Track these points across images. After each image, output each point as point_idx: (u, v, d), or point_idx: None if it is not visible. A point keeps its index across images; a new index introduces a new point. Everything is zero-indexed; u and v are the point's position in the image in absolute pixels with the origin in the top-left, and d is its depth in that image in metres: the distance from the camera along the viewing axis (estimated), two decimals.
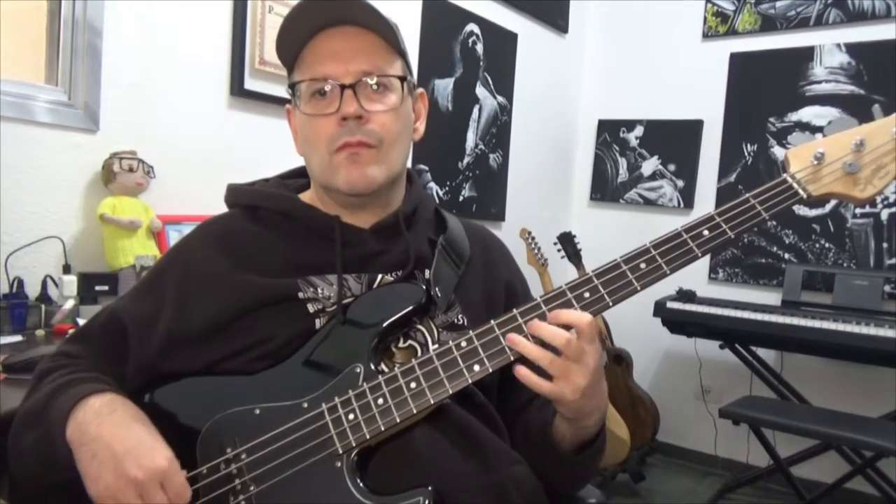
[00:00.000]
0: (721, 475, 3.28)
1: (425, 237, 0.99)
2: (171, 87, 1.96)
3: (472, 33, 3.03)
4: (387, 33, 0.91)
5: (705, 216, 0.84)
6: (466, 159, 3.09)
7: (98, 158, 1.78)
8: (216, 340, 0.88)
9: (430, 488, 0.78)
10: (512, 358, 0.80)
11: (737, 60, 3.33)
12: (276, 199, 0.97)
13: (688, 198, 3.48)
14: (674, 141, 3.52)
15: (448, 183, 3.00)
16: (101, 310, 0.98)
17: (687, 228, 0.83)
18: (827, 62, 3.11)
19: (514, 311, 0.82)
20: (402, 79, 0.93)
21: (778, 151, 3.23)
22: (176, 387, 0.89)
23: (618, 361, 3.16)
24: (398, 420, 0.80)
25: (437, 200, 2.89)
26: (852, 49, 3.05)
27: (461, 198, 3.08)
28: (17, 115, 1.64)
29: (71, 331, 1.50)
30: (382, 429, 0.80)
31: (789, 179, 0.85)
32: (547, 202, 3.69)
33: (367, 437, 0.80)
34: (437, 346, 0.88)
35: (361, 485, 0.79)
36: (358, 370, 0.84)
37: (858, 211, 3.04)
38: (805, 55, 3.15)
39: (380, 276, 0.92)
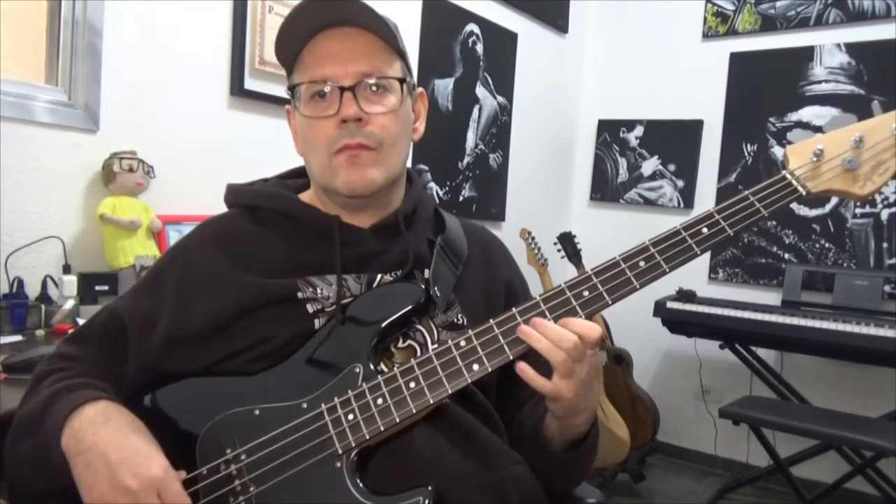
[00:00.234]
0: (721, 475, 3.28)
1: (425, 237, 0.99)
2: (171, 87, 1.96)
3: (472, 33, 3.03)
4: (386, 34, 0.91)
5: (704, 214, 0.84)
6: (466, 159, 3.09)
7: (98, 158, 1.78)
8: (216, 340, 0.88)
9: (429, 488, 0.78)
10: (511, 357, 0.80)
11: (737, 60, 3.33)
12: (275, 198, 0.97)
13: (688, 198, 3.48)
14: (674, 141, 3.52)
15: (448, 183, 3.00)
16: (100, 309, 0.98)
17: (686, 226, 0.83)
18: (827, 62, 3.11)
19: (514, 310, 0.82)
20: (402, 80, 0.93)
21: (778, 151, 3.23)
22: (176, 387, 0.88)
23: (618, 361, 3.15)
24: (397, 420, 0.80)
25: (437, 200, 2.89)
26: (852, 49, 3.05)
27: (461, 198, 3.08)
28: (17, 115, 1.64)
29: (70, 331, 1.50)
30: (382, 429, 0.80)
31: (788, 176, 0.85)
32: (547, 202, 3.69)
33: (367, 437, 0.80)
34: (436, 345, 0.88)
35: (361, 485, 0.79)
36: (357, 370, 0.84)
37: (858, 211, 3.04)
38: (805, 55, 3.15)
39: (379, 276, 0.92)
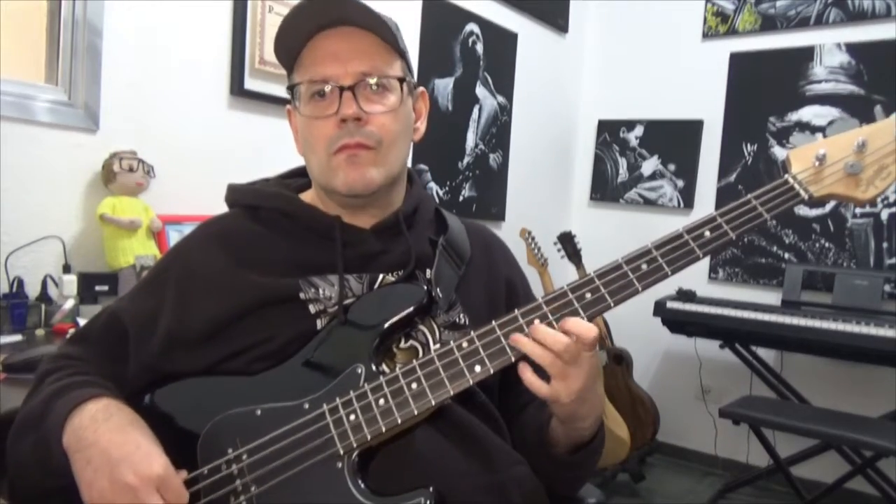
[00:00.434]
0: (721, 475, 3.28)
1: (426, 237, 0.99)
2: (171, 87, 1.96)
3: (472, 33, 3.02)
4: (385, 33, 0.90)
5: (707, 217, 0.84)
6: (466, 159, 3.09)
7: (98, 158, 1.77)
8: (217, 340, 0.88)
9: (431, 489, 0.78)
10: (513, 359, 0.80)
11: (737, 60, 3.33)
12: (276, 198, 0.97)
13: (688, 198, 3.48)
14: (674, 141, 3.52)
15: (448, 183, 3.00)
16: (101, 310, 0.98)
17: (688, 229, 0.83)
18: (827, 62, 3.11)
19: (516, 311, 0.82)
20: (402, 79, 0.93)
21: (778, 151, 3.23)
22: (177, 387, 0.88)
23: (618, 361, 3.15)
24: (399, 421, 0.80)
25: (438, 200, 2.89)
26: (852, 49, 3.05)
27: (461, 198, 3.08)
28: (17, 115, 1.64)
29: (71, 331, 1.50)
30: (384, 429, 0.80)
31: (791, 180, 0.85)
32: (547, 202, 3.69)
33: (369, 437, 0.80)
34: (438, 345, 0.88)
35: (363, 485, 0.79)
36: (359, 371, 0.84)
37: (858, 211, 3.04)
38: (805, 55, 3.15)
39: (381, 277, 0.92)
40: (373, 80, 0.89)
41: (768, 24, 3.26)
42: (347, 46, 0.89)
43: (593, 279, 0.82)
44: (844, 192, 0.84)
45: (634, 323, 3.14)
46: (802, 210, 3.16)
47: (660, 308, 3.02)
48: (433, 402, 0.80)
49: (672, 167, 3.53)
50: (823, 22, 3.12)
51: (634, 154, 3.66)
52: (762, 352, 3.08)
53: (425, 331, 0.90)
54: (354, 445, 0.80)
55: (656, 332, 3.17)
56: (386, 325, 0.86)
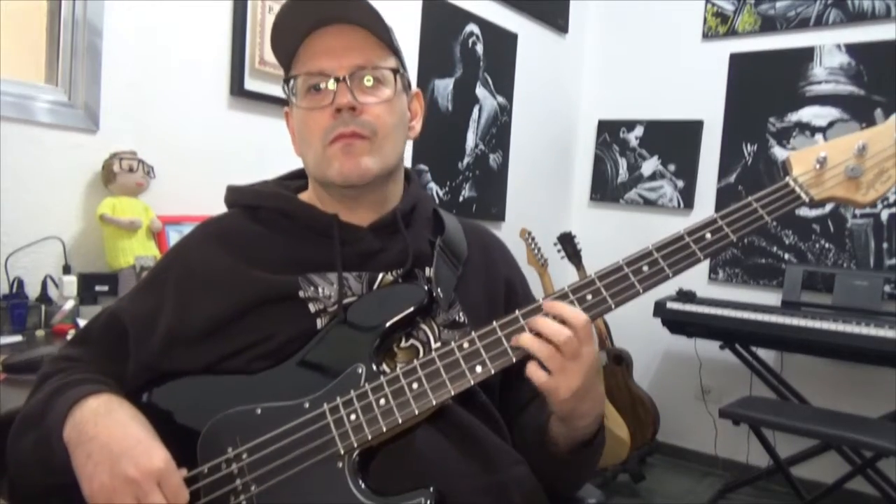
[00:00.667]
0: (721, 475, 3.28)
1: (424, 236, 0.99)
2: (171, 87, 1.96)
3: (472, 33, 3.02)
4: (380, 30, 0.92)
5: (708, 219, 0.84)
6: (466, 159, 3.09)
7: (98, 158, 1.77)
8: (217, 338, 0.88)
9: (431, 489, 0.78)
10: (514, 359, 0.80)
11: (737, 61, 3.33)
12: (274, 197, 0.97)
13: (688, 198, 3.48)
14: (674, 141, 3.52)
15: (448, 183, 3.00)
16: (101, 311, 0.98)
17: (689, 231, 0.84)
18: (827, 62, 3.11)
19: (517, 312, 0.82)
20: (395, 70, 0.94)
21: (778, 152, 3.23)
22: (177, 386, 0.88)
23: (618, 361, 3.15)
24: (400, 421, 0.80)
25: (438, 200, 2.89)
26: (852, 49, 3.05)
27: (461, 198, 3.08)
28: (17, 115, 1.64)
29: (71, 331, 1.51)
30: (384, 429, 0.80)
31: (791, 183, 0.85)
32: (547, 202, 3.69)
33: (369, 437, 0.80)
34: (439, 344, 0.88)
35: (363, 485, 0.79)
36: (360, 370, 0.84)
37: (858, 211, 3.04)
38: (805, 55, 3.15)
39: (381, 275, 0.92)
40: (367, 72, 0.90)
41: (768, 24, 3.26)
42: (343, 42, 0.91)
43: (594, 280, 0.82)
44: (845, 195, 0.85)
45: (634, 323, 3.14)
46: (802, 211, 3.15)
47: (660, 308, 3.02)
48: (434, 402, 0.80)
49: (672, 167, 3.53)
50: (823, 23, 3.12)
51: (634, 154, 3.66)
52: (762, 352, 3.08)
53: (426, 329, 0.90)
54: (355, 445, 0.80)
55: (656, 333, 3.17)
56: (387, 324, 0.86)
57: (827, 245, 3.11)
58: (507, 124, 3.31)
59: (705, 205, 3.41)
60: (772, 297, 3.17)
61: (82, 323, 1.52)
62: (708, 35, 3.43)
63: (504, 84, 3.26)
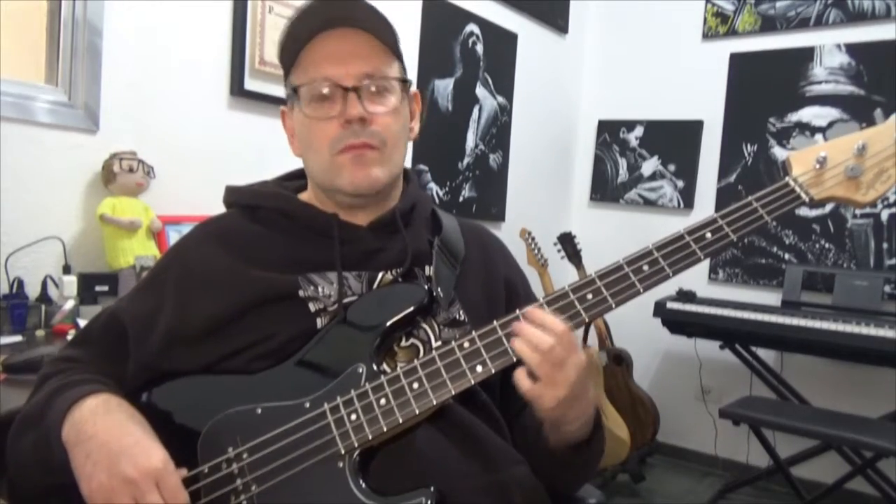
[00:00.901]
0: (721, 475, 3.28)
1: (423, 235, 0.99)
2: (171, 87, 1.96)
3: (472, 33, 3.02)
4: (385, 35, 0.91)
5: (708, 218, 0.84)
6: (466, 159, 3.09)
7: (98, 158, 1.77)
8: (217, 338, 0.88)
9: (432, 488, 0.78)
10: (514, 359, 0.80)
11: (737, 61, 3.33)
12: (273, 197, 0.97)
13: (688, 198, 3.48)
14: (674, 141, 3.52)
15: (448, 183, 3.00)
16: (100, 312, 0.98)
17: (689, 231, 0.84)
18: (827, 62, 3.11)
19: (518, 312, 0.82)
20: (402, 80, 0.94)
21: (778, 152, 3.23)
22: (177, 386, 0.88)
23: (618, 361, 3.16)
24: (401, 420, 0.80)
25: (438, 201, 2.89)
26: (852, 49, 3.05)
27: (461, 198, 3.08)
28: (17, 115, 1.64)
29: (71, 332, 1.50)
30: (385, 429, 0.80)
31: (791, 183, 0.86)
32: (547, 202, 3.69)
33: (370, 437, 0.80)
34: (439, 343, 0.88)
35: (364, 485, 0.79)
36: (360, 370, 0.84)
37: (858, 211, 3.04)
38: (805, 55, 3.15)
39: (380, 275, 0.92)
40: (375, 82, 0.90)
41: (768, 24, 3.26)
42: (348, 48, 0.90)
43: (595, 280, 0.82)
44: (845, 194, 0.85)
45: (634, 323, 3.15)
46: (802, 211, 3.16)
47: (660, 308, 3.02)
48: (434, 402, 0.80)
49: (672, 167, 3.53)
50: (823, 23, 3.12)
51: (634, 154, 3.66)
52: (762, 352, 3.07)
53: (427, 328, 0.90)
54: (356, 445, 0.80)
55: (656, 333, 3.17)
56: (387, 324, 0.86)
57: (827, 245, 3.11)
58: (507, 124, 3.31)
59: (705, 205, 3.41)
60: (772, 297, 3.17)
61: (82, 323, 1.52)
62: (708, 35, 3.43)
63: (504, 84, 3.26)
